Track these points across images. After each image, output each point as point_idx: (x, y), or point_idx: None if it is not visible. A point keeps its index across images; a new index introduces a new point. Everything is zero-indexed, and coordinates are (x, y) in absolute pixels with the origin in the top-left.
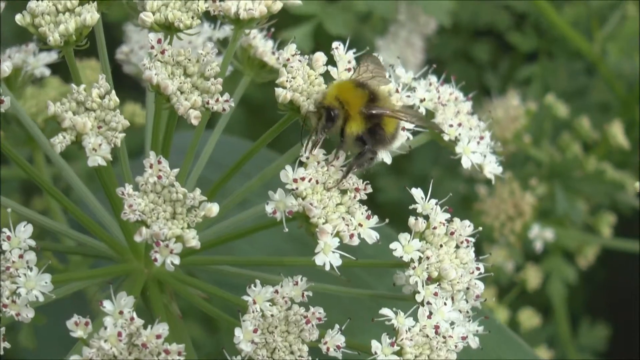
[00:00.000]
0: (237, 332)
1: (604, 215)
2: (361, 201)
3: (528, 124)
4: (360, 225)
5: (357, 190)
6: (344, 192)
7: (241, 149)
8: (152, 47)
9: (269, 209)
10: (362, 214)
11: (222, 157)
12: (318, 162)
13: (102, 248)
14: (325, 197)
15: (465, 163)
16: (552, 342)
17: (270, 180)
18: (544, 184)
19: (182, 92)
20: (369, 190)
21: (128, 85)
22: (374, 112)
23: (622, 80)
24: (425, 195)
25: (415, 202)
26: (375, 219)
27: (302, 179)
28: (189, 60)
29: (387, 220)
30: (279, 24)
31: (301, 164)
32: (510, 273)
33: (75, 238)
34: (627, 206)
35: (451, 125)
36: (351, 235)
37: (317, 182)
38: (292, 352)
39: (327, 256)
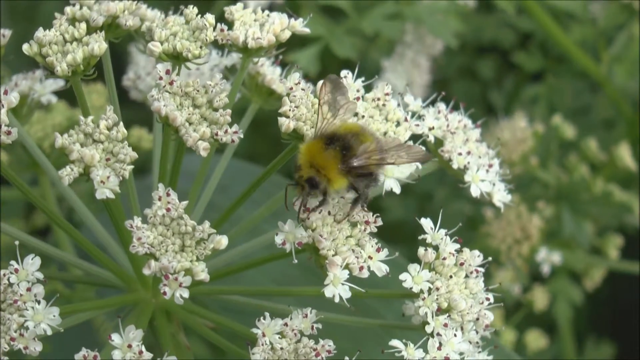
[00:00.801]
0: None
1: (611, 237)
2: (371, 234)
3: (535, 145)
4: (370, 257)
5: (367, 223)
6: (354, 224)
7: (248, 172)
8: (161, 78)
9: (278, 240)
10: (372, 246)
11: (228, 180)
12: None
13: (109, 277)
14: (335, 229)
15: (474, 191)
16: None
17: (279, 208)
18: (551, 205)
19: (190, 123)
20: (379, 223)
21: (135, 105)
22: (354, 164)
23: (627, 99)
24: (435, 222)
25: (425, 232)
26: (385, 252)
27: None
28: (198, 91)
29: (397, 254)
30: (286, 44)
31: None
32: (517, 295)
33: (82, 267)
34: (633, 228)
35: (460, 154)
36: (361, 268)
37: (328, 213)
38: None
39: (337, 288)
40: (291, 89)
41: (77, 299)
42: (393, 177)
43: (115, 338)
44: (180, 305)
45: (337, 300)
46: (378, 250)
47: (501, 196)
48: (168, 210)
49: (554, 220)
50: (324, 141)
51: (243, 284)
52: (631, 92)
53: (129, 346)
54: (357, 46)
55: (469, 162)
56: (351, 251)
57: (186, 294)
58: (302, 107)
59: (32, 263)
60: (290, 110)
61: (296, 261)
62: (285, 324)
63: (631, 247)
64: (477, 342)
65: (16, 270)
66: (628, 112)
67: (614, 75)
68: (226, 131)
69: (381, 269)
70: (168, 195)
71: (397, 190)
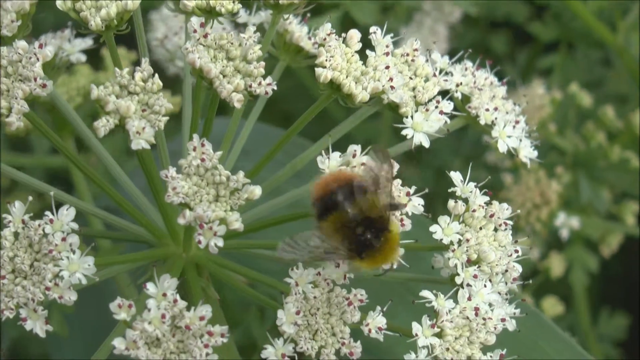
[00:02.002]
0: (280, 314)
1: (628, 204)
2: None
3: (553, 113)
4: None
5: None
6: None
7: (270, 136)
8: (195, 31)
9: None
10: (399, 194)
11: (250, 146)
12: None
13: (140, 232)
14: None
15: (502, 147)
16: (572, 330)
17: (301, 169)
18: (568, 173)
19: (224, 76)
20: (397, 166)
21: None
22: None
23: None
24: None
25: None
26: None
27: None
28: (232, 44)
29: (426, 190)
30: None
31: None
32: (535, 261)
33: (113, 222)
34: None
35: (487, 110)
36: (401, 221)
37: None
38: (334, 334)
39: None
40: (325, 39)
41: None
42: (422, 131)
43: (150, 287)
44: (210, 259)
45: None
46: (407, 194)
47: (527, 152)
48: (202, 160)
49: (572, 187)
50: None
51: None
52: None
53: (164, 295)
54: (376, 14)
55: (496, 118)
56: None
57: (221, 243)
58: (337, 57)
59: (67, 214)
60: (326, 60)
61: None
62: (318, 274)
63: None
64: (506, 294)
65: (51, 221)
66: None
67: (631, 45)
68: (260, 83)
69: (417, 207)
70: (203, 145)
71: (426, 144)
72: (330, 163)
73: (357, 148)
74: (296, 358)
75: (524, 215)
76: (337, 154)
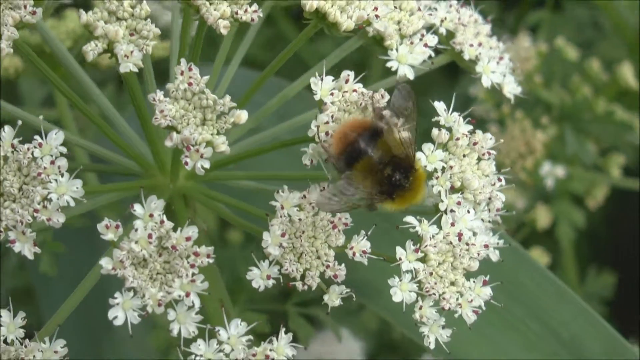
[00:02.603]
0: (266, 236)
1: (613, 156)
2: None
3: (539, 65)
4: None
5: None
6: (364, 109)
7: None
8: None
9: (306, 160)
10: None
11: (234, 89)
12: (332, 94)
13: (128, 164)
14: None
15: (485, 82)
16: None
17: (283, 113)
18: (554, 126)
19: (211, 3)
20: (387, 97)
21: None
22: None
23: (629, 30)
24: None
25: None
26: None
27: (327, 123)
28: None
29: (414, 123)
30: None
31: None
32: (521, 212)
33: (101, 153)
34: (635, 147)
35: (471, 45)
36: None
37: (340, 117)
38: (318, 257)
39: None
40: None
41: None
42: (407, 63)
43: (137, 208)
44: (197, 190)
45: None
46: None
47: (512, 88)
48: (190, 84)
49: (558, 140)
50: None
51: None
52: (632, 22)
53: (151, 215)
54: None
55: (480, 54)
56: None
57: (207, 165)
58: None
59: (56, 138)
60: None
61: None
62: (304, 197)
63: (633, 167)
64: (489, 221)
65: (40, 145)
66: (631, 39)
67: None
68: (246, 10)
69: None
70: (190, 70)
71: (411, 76)
72: (323, 86)
73: (350, 73)
74: (281, 280)
75: (509, 165)
76: (330, 77)
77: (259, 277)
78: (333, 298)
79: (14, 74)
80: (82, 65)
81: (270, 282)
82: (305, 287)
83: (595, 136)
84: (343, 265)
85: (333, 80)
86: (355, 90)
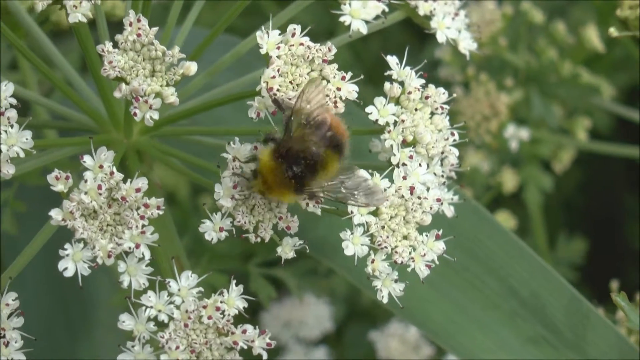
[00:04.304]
0: (217, 188)
1: (579, 119)
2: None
3: (504, 27)
4: (338, 89)
5: (324, 61)
6: (311, 62)
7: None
8: None
9: (252, 113)
10: (334, 77)
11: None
12: (278, 48)
13: (83, 120)
14: (298, 75)
15: (440, 37)
16: None
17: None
18: (520, 89)
19: None
20: (334, 50)
21: None
22: (307, 194)
23: None
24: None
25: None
26: (349, 74)
27: (273, 77)
28: None
29: (361, 76)
30: None
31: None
32: (486, 174)
33: (53, 109)
34: (602, 110)
35: (426, 0)
36: (335, 103)
37: (287, 71)
38: (271, 209)
39: None
40: None
41: None
42: (360, 18)
43: (87, 159)
44: (151, 145)
45: None
46: (343, 78)
47: (467, 44)
48: (139, 35)
49: (523, 104)
50: (286, 164)
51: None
52: None
53: (100, 167)
54: None
55: (434, 9)
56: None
57: (156, 116)
58: None
59: (6, 89)
60: None
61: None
62: (255, 148)
63: (602, 131)
64: (442, 175)
65: None
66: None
67: None
68: None
69: (350, 92)
70: (139, 21)
71: (364, 31)
72: (270, 39)
73: (296, 27)
74: (234, 232)
75: (474, 127)
76: (276, 31)
77: (212, 230)
78: (286, 250)
79: None
80: (42, 27)
81: (223, 235)
82: (258, 239)
83: (561, 99)
84: (296, 217)
85: (280, 34)
86: (302, 44)
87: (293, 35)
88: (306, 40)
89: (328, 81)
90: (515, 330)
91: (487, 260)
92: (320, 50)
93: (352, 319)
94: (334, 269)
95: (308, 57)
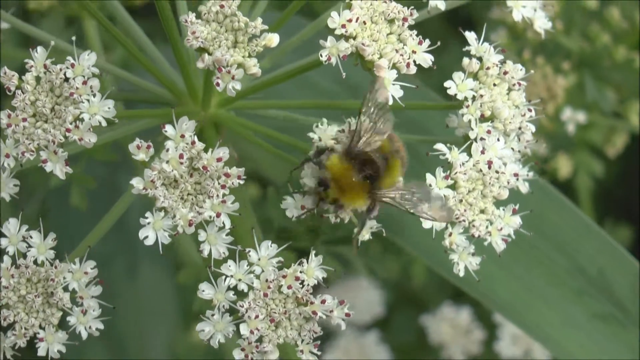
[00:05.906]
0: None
1: (633, 103)
2: (410, 27)
3: (560, 11)
4: (413, 52)
5: (404, 20)
6: (391, 21)
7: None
8: None
9: (323, 56)
10: (413, 39)
11: None
12: None
13: (159, 92)
14: (375, 31)
15: (517, 16)
16: None
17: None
18: (574, 73)
19: None
20: (416, 15)
21: None
22: (380, 199)
23: None
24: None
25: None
26: (427, 42)
27: (349, 20)
28: None
29: (439, 43)
30: None
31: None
32: (541, 158)
33: (130, 79)
34: None
35: None
36: (407, 65)
37: (364, 22)
38: None
39: (389, 89)
40: None
41: None
42: None
43: (169, 129)
44: (228, 117)
45: (390, 101)
46: (420, 42)
47: (542, 23)
48: (222, 6)
49: (577, 88)
50: (356, 166)
51: None
52: None
53: (182, 136)
54: None
55: None
56: (395, 51)
57: (239, 86)
58: None
59: (89, 59)
60: None
61: (344, 74)
62: (342, 130)
63: None
64: (519, 151)
65: (72, 65)
66: None
67: None
68: None
69: (426, 60)
70: None
71: (442, 6)
72: (340, 20)
73: None
74: (316, 213)
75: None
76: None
77: (293, 207)
78: (364, 232)
79: (47, 6)
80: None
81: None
82: (338, 220)
83: (614, 84)
84: None
85: None
86: (385, 1)
87: None
88: None
89: (405, 45)
90: (582, 306)
91: (554, 237)
92: (402, 11)
93: (401, 302)
94: (397, 242)
95: (389, 16)
